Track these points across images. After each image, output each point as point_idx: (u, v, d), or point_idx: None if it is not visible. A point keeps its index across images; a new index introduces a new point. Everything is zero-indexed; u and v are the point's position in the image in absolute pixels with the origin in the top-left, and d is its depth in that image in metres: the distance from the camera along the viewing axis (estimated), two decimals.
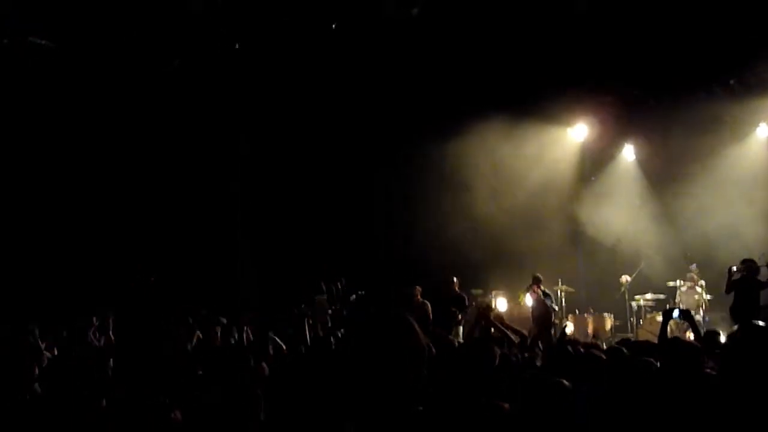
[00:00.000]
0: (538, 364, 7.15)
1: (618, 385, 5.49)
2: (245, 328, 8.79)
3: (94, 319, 9.38)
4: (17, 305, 11.64)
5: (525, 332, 9.47)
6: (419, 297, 15.30)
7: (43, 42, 12.72)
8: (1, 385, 5.71)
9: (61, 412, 4.82)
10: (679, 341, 5.82)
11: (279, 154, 16.96)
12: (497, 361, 5.71)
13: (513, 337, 8.33)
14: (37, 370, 5.95)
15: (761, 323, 3.90)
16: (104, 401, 5.02)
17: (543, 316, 14.56)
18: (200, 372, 6.39)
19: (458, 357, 5.82)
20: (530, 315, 14.48)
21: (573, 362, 6.25)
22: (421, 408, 2.31)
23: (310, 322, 9.52)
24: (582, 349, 6.89)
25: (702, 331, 9.14)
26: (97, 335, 9.65)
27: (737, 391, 3.54)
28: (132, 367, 6.09)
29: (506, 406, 3.91)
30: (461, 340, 11.00)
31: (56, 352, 8.23)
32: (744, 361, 3.65)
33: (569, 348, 6.60)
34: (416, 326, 2.40)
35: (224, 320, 10.14)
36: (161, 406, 3.91)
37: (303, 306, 10.42)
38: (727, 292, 12.49)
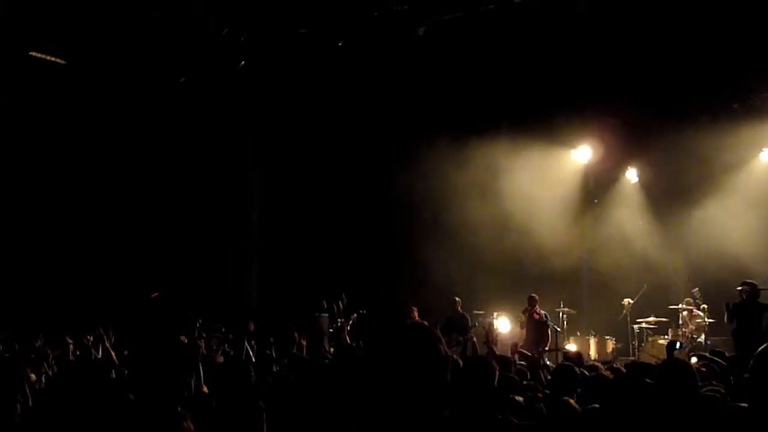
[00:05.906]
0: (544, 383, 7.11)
1: (621, 405, 5.46)
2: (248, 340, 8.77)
3: (100, 330, 9.34)
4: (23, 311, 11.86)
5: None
6: (416, 316, 15.29)
7: (54, 59, 12.90)
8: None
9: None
10: (677, 361, 5.73)
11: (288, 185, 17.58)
12: (496, 380, 5.69)
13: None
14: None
15: None
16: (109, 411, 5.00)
17: (543, 337, 14.54)
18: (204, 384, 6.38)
19: (461, 374, 5.80)
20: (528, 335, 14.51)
21: (578, 382, 6.24)
22: (447, 413, 2.31)
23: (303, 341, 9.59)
24: (586, 371, 6.89)
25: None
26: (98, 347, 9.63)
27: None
28: (140, 376, 6.07)
29: (515, 420, 3.89)
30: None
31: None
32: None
33: (575, 368, 6.59)
34: (438, 334, 2.40)
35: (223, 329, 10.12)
36: (175, 415, 3.89)
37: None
38: (729, 322, 12.38)
